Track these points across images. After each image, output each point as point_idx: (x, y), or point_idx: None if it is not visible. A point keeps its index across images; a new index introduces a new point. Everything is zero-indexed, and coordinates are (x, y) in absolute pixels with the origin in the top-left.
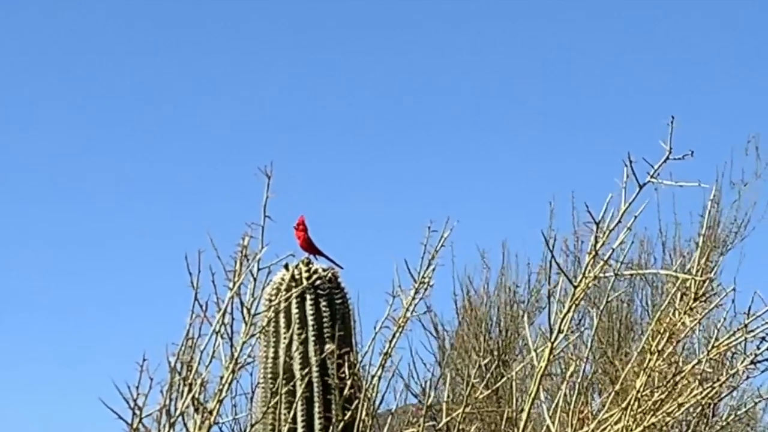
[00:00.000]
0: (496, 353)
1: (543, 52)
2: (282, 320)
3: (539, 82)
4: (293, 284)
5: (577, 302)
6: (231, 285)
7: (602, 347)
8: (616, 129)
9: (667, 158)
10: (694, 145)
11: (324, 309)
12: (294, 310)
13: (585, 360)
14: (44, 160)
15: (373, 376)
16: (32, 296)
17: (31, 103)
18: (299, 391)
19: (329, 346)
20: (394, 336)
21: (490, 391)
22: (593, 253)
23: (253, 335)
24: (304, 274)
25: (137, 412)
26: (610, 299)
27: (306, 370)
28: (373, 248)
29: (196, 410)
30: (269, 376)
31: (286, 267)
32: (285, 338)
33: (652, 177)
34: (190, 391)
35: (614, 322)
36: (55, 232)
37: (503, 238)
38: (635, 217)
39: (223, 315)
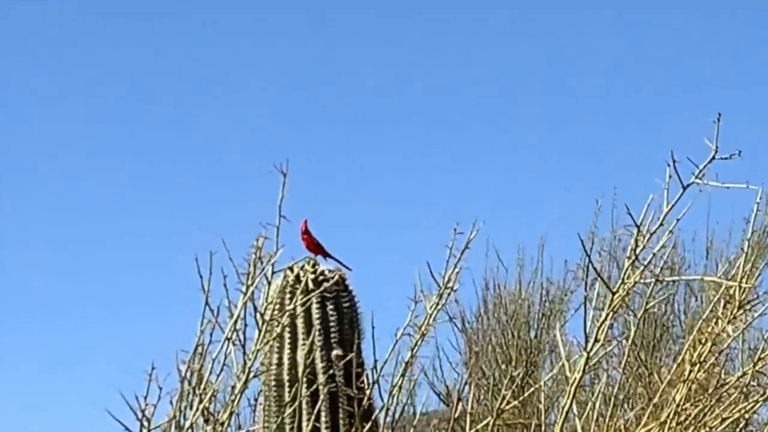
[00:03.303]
0: (524, 354)
1: (582, 45)
2: (285, 324)
3: (576, 78)
4: (298, 286)
5: (615, 309)
6: (244, 289)
7: (635, 350)
8: (663, 128)
9: (713, 158)
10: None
11: (331, 312)
12: (299, 315)
13: (621, 369)
14: (44, 159)
15: (393, 386)
16: (42, 297)
17: (31, 101)
18: (305, 400)
19: (336, 352)
20: (415, 344)
21: (517, 401)
22: (633, 257)
23: (267, 342)
24: (310, 276)
25: (145, 423)
26: (649, 306)
27: (312, 378)
28: (388, 250)
29: (206, 421)
30: (273, 383)
31: (291, 268)
32: (289, 344)
33: (696, 178)
34: (200, 401)
35: (650, 325)
36: (59, 232)
37: (541, 235)
38: (677, 220)
39: (236, 321)
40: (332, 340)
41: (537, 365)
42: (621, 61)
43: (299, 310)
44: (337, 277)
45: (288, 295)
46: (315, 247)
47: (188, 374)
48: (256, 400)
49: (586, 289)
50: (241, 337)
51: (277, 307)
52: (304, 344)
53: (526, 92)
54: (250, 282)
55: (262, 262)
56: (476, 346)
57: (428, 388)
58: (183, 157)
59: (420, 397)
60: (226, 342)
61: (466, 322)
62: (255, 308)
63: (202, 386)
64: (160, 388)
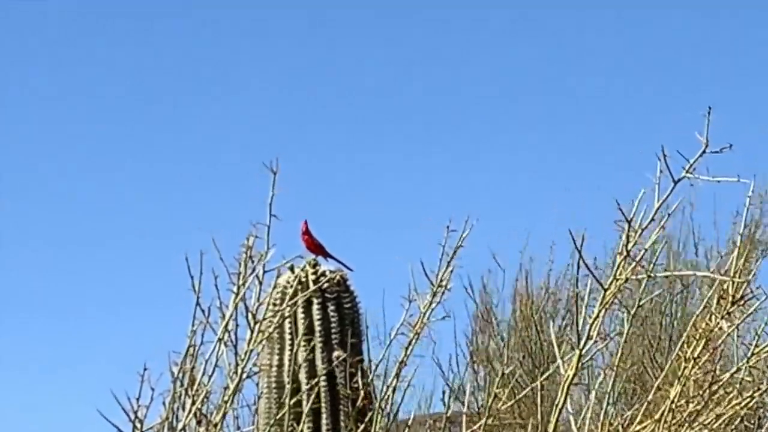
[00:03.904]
0: (544, 351)
1: (582, 45)
2: (287, 326)
3: (576, 78)
4: (299, 287)
5: (606, 306)
6: (235, 289)
7: (651, 350)
8: (663, 128)
9: (704, 152)
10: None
11: (332, 314)
12: (300, 316)
13: (614, 368)
14: (44, 159)
15: (388, 387)
16: (29, 297)
17: (31, 101)
18: (306, 402)
19: (338, 354)
20: (409, 344)
21: (513, 401)
22: (624, 253)
23: (259, 342)
24: (311, 277)
25: (138, 425)
26: (642, 303)
27: (313, 380)
28: (386, 250)
29: (199, 423)
30: (273, 385)
31: (292, 269)
32: (290, 345)
33: (687, 172)
34: (193, 403)
35: (657, 326)
36: (51, 232)
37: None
38: (668, 215)
39: (227, 322)
40: (333, 342)
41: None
42: (621, 61)
43: (300, 310)
44: (338, 277)
45: (288, 296)
46: (315, 247)
47: (180, 375)
48: (255, 402)
49: (577, 286)
50: (233, 338)
51: (278, 309)
52: (304, 345)
53: (526, 92)
54: (241, 282)
55: (252, 262)
56: (489, 343)
57: (442, 386)
58: (181, 157)
59: (435, 396)
60: (218, 343)
61: (492, 318)
62: (246, 308)
63: (195, 387)
64: (153, 389)
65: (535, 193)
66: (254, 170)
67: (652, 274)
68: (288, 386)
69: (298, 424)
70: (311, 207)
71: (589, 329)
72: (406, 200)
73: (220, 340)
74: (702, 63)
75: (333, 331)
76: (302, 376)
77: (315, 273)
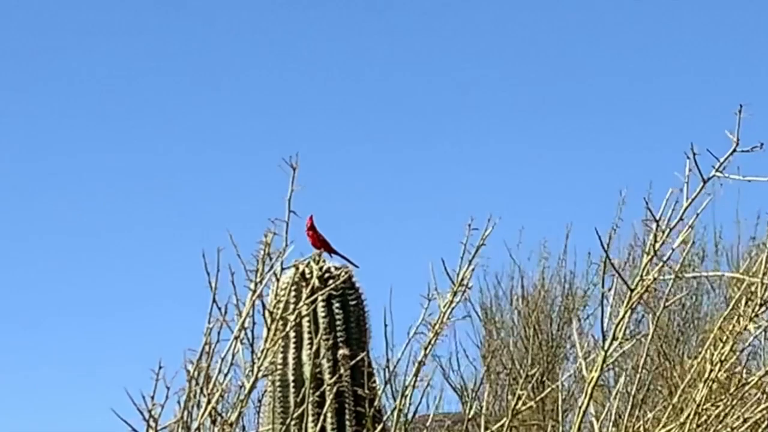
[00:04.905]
0: (545, 349)
1: (569, 41)
2: (291, 323)
3: (566, 75)
4: (303, 284)
5: (632, 307)
6: (252, 286)
7: (659, 344)
8: (688, 120)
9: (734, 150)
10: None
11: (337, 311)
12: (304, 312)
13: (640, 368)
14: (46, 159)
15: (406, 386)
16: (48, 296)
17: (31, 102)
18: (310, 400)
19: (343, 352)
20: (429, 343)
21: (533, 401)
22: (651, 253)
23: (276, 341)
24: (316, 273)
25: (152, 424)
26: (668, 303)
27: (318, 377)
28: (396, 247)
29: (213, 422)
30: (278, 383)
31: (296, 266)
32: (295, 343)
33: (717, 171)
34: (208, 402)
35: (670, 323)
36: (65, 231)
37: (567, 225)
38: (697, 214)
39: (244, 319)
40: (338, 340)
41: (558, 360)
42: (622, 60)
43: (305, 308)
44: (343, 274)
45: (293, 293)
46: (320, 243)
47: (196, 374)
48: (260, 400)
49: (603, 286)
50: (249, 336)
51: (282, 305)
52: (309, 343)
53: (526, 92)
54: (258, 279)
55: (270, 259)
56: (494, 342)
57: (442, 386)
58: (188, 155)
59: (433, 395)
60: (235, 341)
61: (487, 315)
62: (263, 306)
63: (210, 386)
64: (168, 388)
65: (534, 192)
66: (269, 167)
67: (680, 275)
68: (292, 384)
69: (303, 422)
70: (311, 206)
71: (614, 330)
72: (408, 199)
73: (236, 338)
74: (704, 63)
75: (338, 328)
76: (307, 374)
77: (320, 269)
